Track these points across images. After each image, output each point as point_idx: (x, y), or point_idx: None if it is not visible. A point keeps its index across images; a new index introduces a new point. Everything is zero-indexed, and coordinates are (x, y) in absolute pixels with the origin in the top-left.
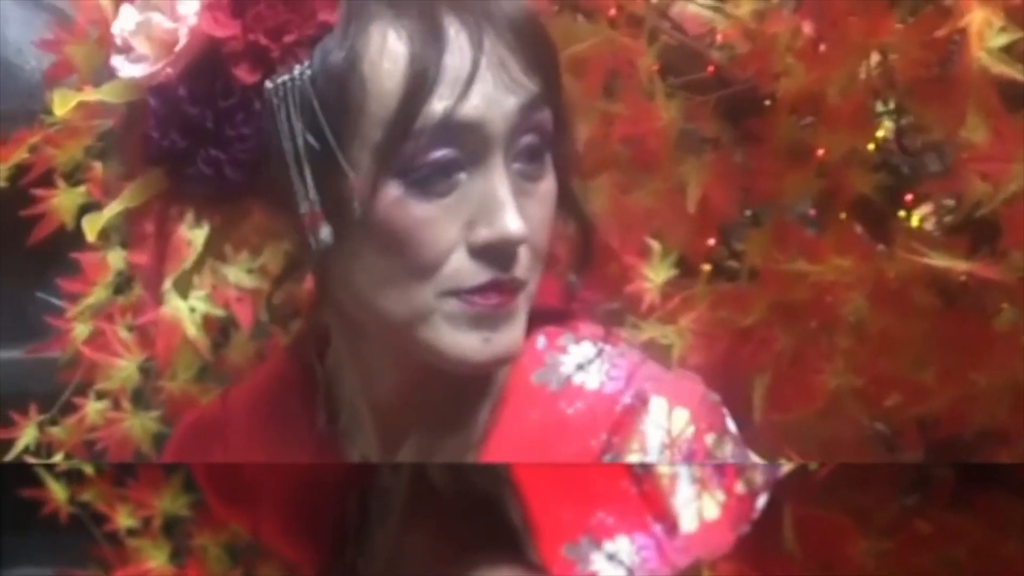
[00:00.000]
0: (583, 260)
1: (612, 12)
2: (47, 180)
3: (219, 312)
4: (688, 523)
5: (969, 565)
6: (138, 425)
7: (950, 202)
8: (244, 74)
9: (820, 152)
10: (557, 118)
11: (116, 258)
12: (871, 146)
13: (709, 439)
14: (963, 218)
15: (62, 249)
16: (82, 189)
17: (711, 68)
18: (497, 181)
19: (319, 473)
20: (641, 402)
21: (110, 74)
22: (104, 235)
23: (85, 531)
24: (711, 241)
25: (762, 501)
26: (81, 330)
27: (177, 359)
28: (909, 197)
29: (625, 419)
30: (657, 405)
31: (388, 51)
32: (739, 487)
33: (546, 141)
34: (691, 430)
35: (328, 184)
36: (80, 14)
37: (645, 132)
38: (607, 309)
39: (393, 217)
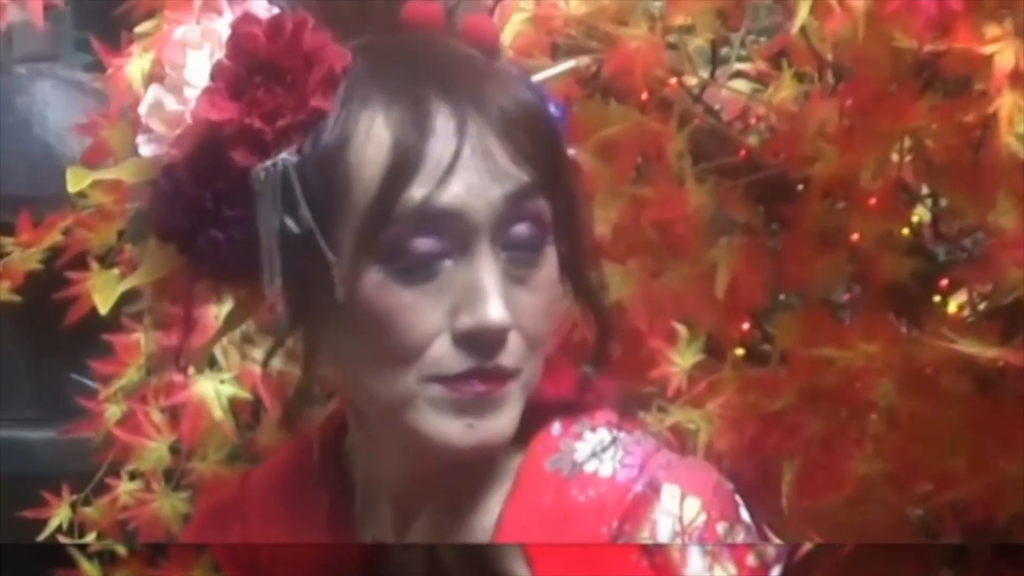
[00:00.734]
0: (600, 351)
1: (644, 96)
2: (80, 263)
3: (245, 395)
4: None
5: None
6: (168, 505)
7: (986, 287)
8: (240, 157)
9: (854, 237)
10: (562, 208)
11: (148, 340)
12: (906, 231)
13: (720, 528)
14: (998, 304)
15: (96, 331)
16: (115, 272)
17: (743, 152)
18: (482, 269)
19: (336, 553)
20: (653, 490)
21: (135, 155)
22: (137, 316)
23: None
24: (745, 326)
25: (776, 574)
26: (113, 411)
27: (206, 441)
28: (944, 282)
29: (637, 507)
30: (669, 493)
31: (374, 136)
32: (751, 559)
33: (542, 230)
34: (703, 518)
35: (313, 266)
36: (114, 97)
37: (675, 216)
38: (632, 394)
39: (375, 301)
